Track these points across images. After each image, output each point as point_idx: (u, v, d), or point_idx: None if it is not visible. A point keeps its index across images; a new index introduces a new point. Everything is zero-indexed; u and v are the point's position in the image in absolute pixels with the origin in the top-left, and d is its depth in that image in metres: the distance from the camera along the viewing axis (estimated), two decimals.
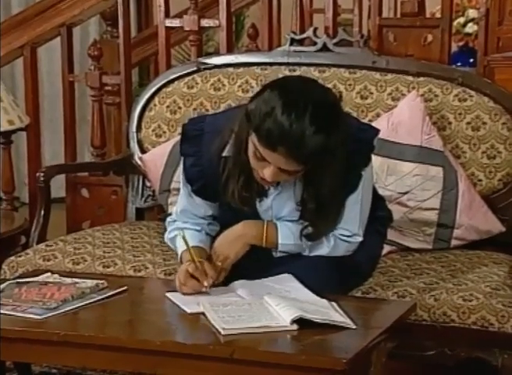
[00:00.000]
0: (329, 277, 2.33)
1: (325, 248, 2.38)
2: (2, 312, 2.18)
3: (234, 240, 2.36)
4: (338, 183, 2.28)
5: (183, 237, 2.35)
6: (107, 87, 3.85)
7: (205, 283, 2.26)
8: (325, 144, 2.17)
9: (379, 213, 2.55)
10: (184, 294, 2.28)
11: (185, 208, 2.47)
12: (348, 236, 2.38)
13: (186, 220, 2.47)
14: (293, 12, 4.93)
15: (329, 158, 2.22)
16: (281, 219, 2.39)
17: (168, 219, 2.54)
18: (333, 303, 2.19)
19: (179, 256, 2.44)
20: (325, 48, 3.04)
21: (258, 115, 2.17)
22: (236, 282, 2.33)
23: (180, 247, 2.42)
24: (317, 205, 2.30)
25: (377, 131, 2.43)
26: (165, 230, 2.57)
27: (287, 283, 2.30)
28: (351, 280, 2.44)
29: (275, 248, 2.38)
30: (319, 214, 2.32)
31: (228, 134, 2.31)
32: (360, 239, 2.39)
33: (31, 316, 2.18)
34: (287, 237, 2.37)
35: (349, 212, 2.36)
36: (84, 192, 3.59)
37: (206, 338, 2.08)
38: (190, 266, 2.29)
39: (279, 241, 2.37)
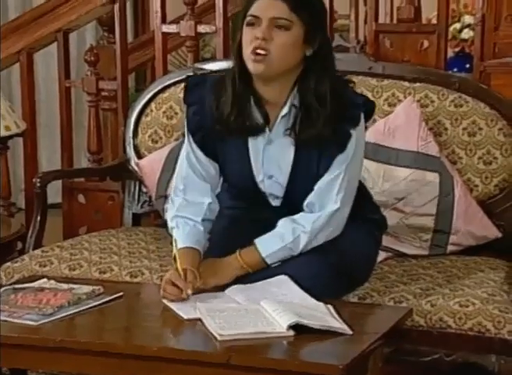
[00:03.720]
0: (323, 276, 2.33)
1: (304, 237, 2.36)
2: None
3: (219, 270, 2.37)
4: (325, 90, 2.33)
5: (174, 240, 2.37)
6: (103, 93, 3.85)
7: (188, 292, 2.27)
8: None
9: (374, 216, 2.56)
10: (172, 300, 2.28)
11: (187, 174, 2.46)
12: (321, 203, 2.37)
13: (187, 197, 2.45)
14: None
15: (316, 25, 2.32)
16: (271, 179, 2.40)
17: (172, 194, 2.52)
18: (329, 306, 2.19)
19: (173, 254, 2.43)
20: None
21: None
22: (232, 287, 2.33)
23: (175, 246, 2.42)
24: (306, 107, 2.34)
25: (372, 102, 2.47)
26: (164, 227, 2.56)
27: (283, 285, 2.30)
28: (345, 277, 2.41)
29: (265, 264, 2.37)
30: (308, 114, 2.34)
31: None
32: (336, 206, 2.37)
33: (27, 322, 2.17)
34: (267, 247, 2.36)
35: (332, 172, 2.36)
36: (81, 198, 3.59)
37: (203, 344, 2.08)
38: (172, 275, 2.32)
39: (263, 255, 2.36)
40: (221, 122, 2.39)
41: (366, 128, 2.50)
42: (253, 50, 2.31)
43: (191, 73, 3.16)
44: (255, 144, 2.41)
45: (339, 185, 2.37)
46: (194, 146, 2.46)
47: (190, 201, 2.46)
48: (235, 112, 2.37)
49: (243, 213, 2.51)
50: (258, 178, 2.43)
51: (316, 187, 2.39)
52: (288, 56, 2.33)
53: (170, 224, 2.49)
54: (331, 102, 2.33)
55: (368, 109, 2.43)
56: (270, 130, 2.40)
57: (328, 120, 2.33)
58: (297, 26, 2.32)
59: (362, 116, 2.39)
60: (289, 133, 2.38)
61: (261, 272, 2.36)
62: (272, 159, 2.41)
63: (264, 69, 2.32)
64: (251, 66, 2.33)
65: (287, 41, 2.32)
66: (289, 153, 2.40)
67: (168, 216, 2.51)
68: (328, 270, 2.34)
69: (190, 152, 2.48)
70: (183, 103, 2.52)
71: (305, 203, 2.40)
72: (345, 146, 2.36)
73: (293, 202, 2.42)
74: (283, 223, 2.39)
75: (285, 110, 2.38)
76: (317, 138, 2.35)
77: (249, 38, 2.33)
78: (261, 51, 2.31)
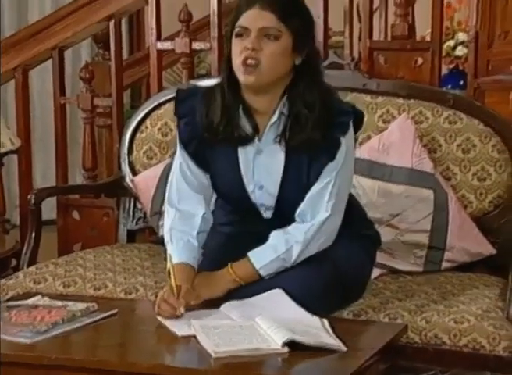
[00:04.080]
0: (316, 288, 2.32)
1: (297, 247, 2.36)
2: None
3: (211, 284, 2.37)
4: (314, 98, 2.35)
5: (169, 255, 2.38)
6: (98, 110, 3.86)
7: (181, 310, 2.27)
8: (298, 3, 2.38)
9: (368, 232, 2.56)
10: (166, 317, 2.28)
11: (180, 186, 2.48)
12: (312, 212, 2.37)
13: (181, 208, 2.45)
14: None
15: (304, 33, 2.35)
16: (262, 189, 2.41)
17: (166, 205, 2.51)
18: (324, 321, 2.19)
19: (167, 269, 2.42)
20: None
21: (235, 8, 2.39)
22: (227, 303, 2.32)
23: (170, 261, 2.41)
24: (295, 115, 2.36)
25: (360, 111, 2.46)
26: (159, 243, 2.55)
27: (278, 300, 2.29)
28: (339, 291, 2.40)
29: (259, 276, 2.37)
30: (297, 120, 2.36)
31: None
32: (327, 214, 2.38)
33: (21, 339, 2.16)
34: (261, 259, 2.37)
35: (322, 180, 2.37)
36: (75, 214, 3.58)
37: (197, 361, 2.08)
38: (165, 292, 2.32)
39: (257, 267, 2.36)
40: (210, 130, 2.40)
41: (356, 140, 2.52)
42: (243, 61, 2.33)
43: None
44: (245, 154, 2.42)
45: (330, 193, 2.38)
46: (187, 157, 2.47)
47: (184, 213, 2.47)
48: (224, 121, 2.38)
49: (236, 228, 2.50)
50: (249, 188, 2.43)
51: (307, 197, 2.39)
52: (278, 65, 2.35)
53: (165, 237, 2.50)
54: (319, 109, 2.35)
55: (357, 117, 2.44)
56: (259, 140, 2.41)
57: (317, 125, 2.35)
58: (286, 36, 2.34)
59: (351, 123, 2.41)
60: (279, 140, 2.39)
61: (255, 285, 2.36)
62: (262, 169, 2.42)
63: (254, 79, 2.34)
64: (242, 77, 2.35)
65: (276, 50, 2.34)
66: (280, 161, 2.40)
67: (165, 228, 2.51)
68: (321, 283, 2.34)
69: (182, 163, 2.48)
70: (174, 115, 2.53)
71: (297, 213, 2.41)
72: (335, 154, 2.37)
73: (284, 213, 2.42)
74: (276, 235, 2.40)
75: (274, 118, 2.39)
76: (307, 143, 2.36)
77: (238, 49, 2.35)
78: (252, 62, 2.32)
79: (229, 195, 2.49)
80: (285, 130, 2.38)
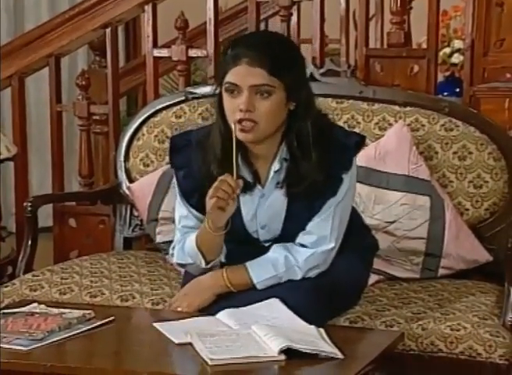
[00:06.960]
0: (312, 298, 2.32)
1: (297, 271, 2.36)
2: None
3: (202, 290, 2.37)
4: (308, 136, 2.30)
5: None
6: (95, 117, 3.85)
7: (238, 191, 2.25)
8: (286, 50, 2.28)
9: (365, 242, 2.56)
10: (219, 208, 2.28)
11: (184, 227, 2.46)
12: (314, 242, 2.36)
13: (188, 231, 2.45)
14: None
15: (297, 84, 2.27)
16: (265, 228, 2.40)
17: (172, 251, 2.50)
18: (321, 330, 2.19)
19: (194, 244, 2.38)
20: (312, 78, 3.05)
21: (221, 59, 2.32)
22: (223, 311, 2.32)
23: (191, 241, 2.39)
24: (294, 160, 2.32)
25: (362, 137, 2.43)
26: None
27: (274, 309, 2.29)
28: (334, 300, 2.40)
29: (254, 288, 2.36)
30: (297, 168, 2.32)
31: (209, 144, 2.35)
32: (331, 245, 2.37)
33: (17, 347, 2.16)
34: (260, 274, 2.36)
35: (323, 213, 2.36)
36: (72, 222, 3.58)
37: (193, 369, 2.08)
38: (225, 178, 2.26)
39: (254, 281, 2.36)
40: (210, 180, 2.33)
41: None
42: (238, 121, 2.27)
43: (183, 97, 3.18)
44: (246, 199, 2.39)
45: (332, 224, 2.37)
46: (191, 208, 2.44)
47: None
48: (223, 170, 2.31)
49: (233, 247, 2.46)
50: (251, 229, 2.42)
51: (308, 227, 2.38)
52: (275, 120, 2.30)
53: (176, 259, 2.48)
54: (318, 150, 2.30)
55: (358, 143, 2.40)
56: (263, 186, 2.38)
57: (318, 170, 2.31)
58: (279, 89, 2.27)
59: (354, 159, 2.38)
60: (281, 186, 2.37)
61: (250, 295, 2.34)
62: (265, 211, 2.40)
63: (252, 137, 2.30)
64: (239, 135, 2.29)
65: (271, 107, 2.27)
66: (282, 203, 2.38)
67: (175, 260, 2.50)
68: (317, 295, 2.33)
69: (182, 217, 2.44)
70: (171, 167, 2.50)
71: (296, 241, 2.39)
72: (337, 190, 2.36)
73: (285, 241, 2.41)
74: (277, 250, 2.39)
75: (276, 166, 2.36)
76: (309, 187, 2.33)
77: (231, 107, 2.28)
78: (247, 123, 2.27)
79: (230, 231, 2.42)
80: (286, 177, 2.35)
